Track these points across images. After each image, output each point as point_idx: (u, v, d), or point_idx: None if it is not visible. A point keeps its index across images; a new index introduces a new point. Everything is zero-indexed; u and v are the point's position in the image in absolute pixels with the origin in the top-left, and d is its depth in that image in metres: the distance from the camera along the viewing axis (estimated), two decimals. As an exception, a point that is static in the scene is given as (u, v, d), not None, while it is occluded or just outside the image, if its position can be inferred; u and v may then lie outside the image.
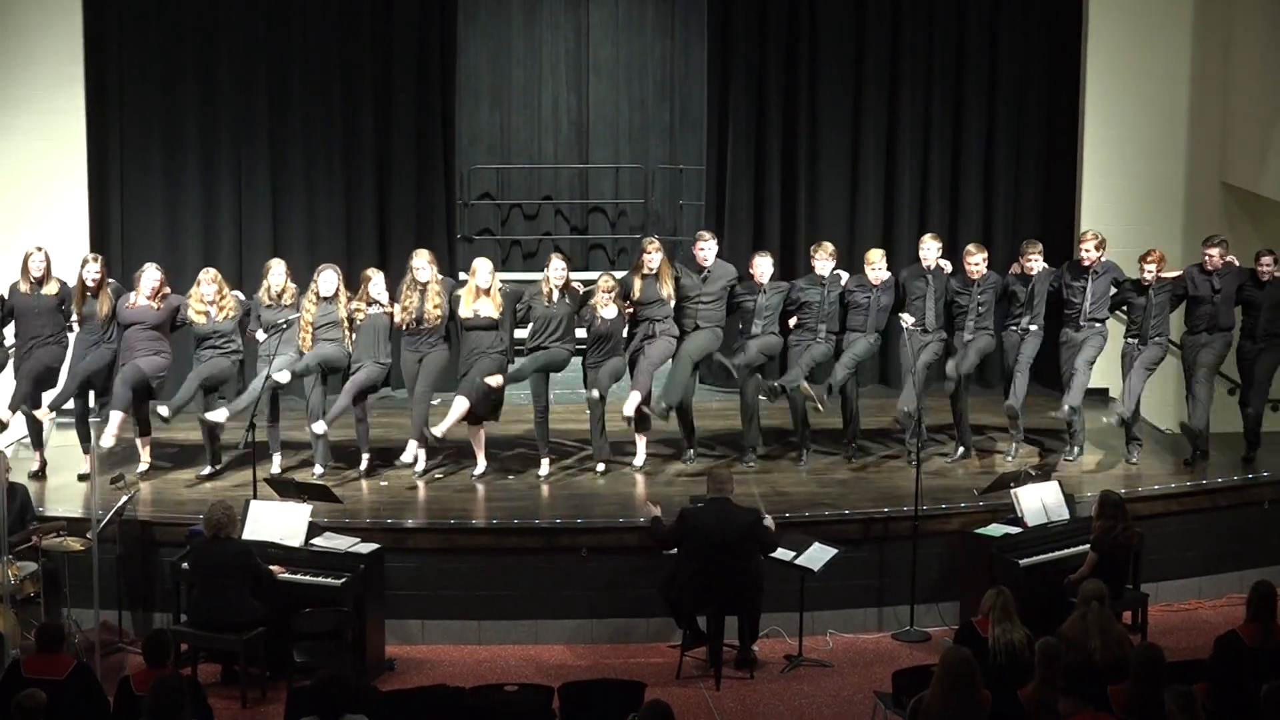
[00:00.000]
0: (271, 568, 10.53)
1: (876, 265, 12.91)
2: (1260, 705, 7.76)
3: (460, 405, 12.38)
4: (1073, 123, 14.90)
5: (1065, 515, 11.44)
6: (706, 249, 12.80)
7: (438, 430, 12.36)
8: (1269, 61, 13.81)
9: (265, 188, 14.70)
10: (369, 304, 12.45)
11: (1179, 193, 14.67)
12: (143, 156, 14.46)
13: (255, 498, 11.20)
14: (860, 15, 15.03)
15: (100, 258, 12.53)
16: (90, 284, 12.32)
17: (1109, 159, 14.70)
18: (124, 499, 11.00)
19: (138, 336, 12.31)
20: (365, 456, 12.68)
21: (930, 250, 12.96)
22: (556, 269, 12.64)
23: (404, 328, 12.51)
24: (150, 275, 12.34)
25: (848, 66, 15.07)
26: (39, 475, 12.37)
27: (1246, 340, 12.96)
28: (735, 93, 15.06)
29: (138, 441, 12.60)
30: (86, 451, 12.31)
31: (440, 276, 12.68)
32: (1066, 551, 11.15)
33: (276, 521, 10.87)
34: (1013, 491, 11.43)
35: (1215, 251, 12.73)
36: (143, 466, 12.54)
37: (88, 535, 10.62)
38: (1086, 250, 12.77)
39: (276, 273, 12.44)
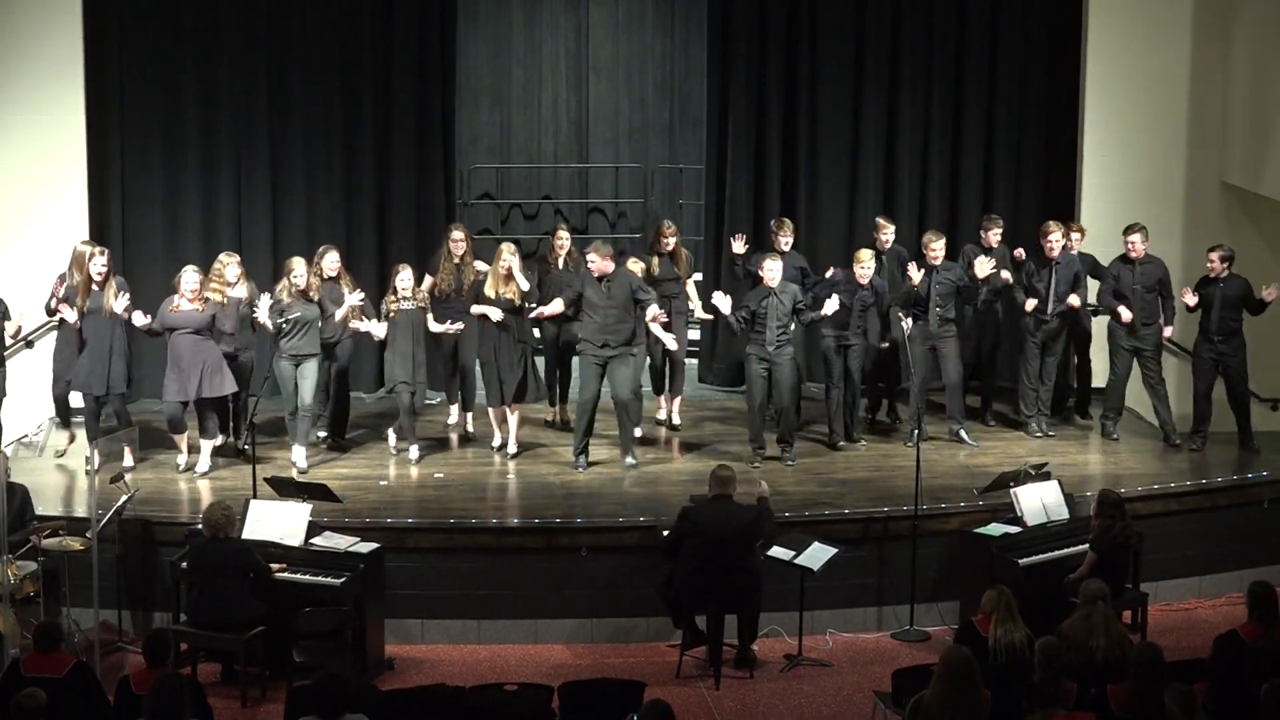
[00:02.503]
0: (270, 566, 10.53)
1: (866, 264, 13.09)
2: (1260, 705, 7.76)
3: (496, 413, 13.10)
4: (1072, 123, 14.90)
5: (1065, 515, 11.45)
6: (594, 263, 12.65)
7: (512, 447, 13.07)
8: (1268, 61, 13.80)
9: (265, 187, 14.70)
10: (401, 299, 12.69)
11: (1179, 193, 14.66)
12: (143, 156, 14.46)
13: (255, 497, 11.20)
14: (860, 15, 15.03)
15: (106, 250, 12.63)
16: (97, 277, 12.36)
17: (1109, 159, 14.69)
18: (123, 498, 11.00)
19: (185, 343, 12.34)
20: (415, 447, 12.93)
21: (889, 233, 13.79)
22: (563, 236, 13.71)
23: (438, 295, 13.08)
24: (190, 277, 12.42)
25: (848, 66, 15.07)
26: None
27: (1199, 336, 13.29)
28: (735, 92, 15.06)
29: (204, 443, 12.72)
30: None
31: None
32: (1066, 551, 11.16)
33: (276, 521, 10.87)
34: (1012, 491, 11.43)
35: (1215, 255, 13.13)
36: (203, 466, 12.62)
37: (87, 535, 10.62)
38: (1056, 240, 13.35)
39: (300, 272, 12.58)
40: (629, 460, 12.84)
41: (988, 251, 13.66)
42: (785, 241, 13.57)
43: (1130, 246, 13.34)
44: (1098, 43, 14.65)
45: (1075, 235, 13.79)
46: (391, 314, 12.72)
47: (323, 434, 13.32)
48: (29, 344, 13.54)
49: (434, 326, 12.88)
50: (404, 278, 12.76)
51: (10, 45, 13.82)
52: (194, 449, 12.69)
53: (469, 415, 13.67)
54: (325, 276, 12.86)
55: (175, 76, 14.47)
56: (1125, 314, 13.29)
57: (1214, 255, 13.15)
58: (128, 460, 12.52)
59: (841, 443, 13.35)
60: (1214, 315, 13.15)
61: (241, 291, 12.80)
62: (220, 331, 12.61)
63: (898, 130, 15.17)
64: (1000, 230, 13.82)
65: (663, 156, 17.82)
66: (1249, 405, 13.48)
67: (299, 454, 12.68)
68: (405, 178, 14.93)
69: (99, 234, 13.91)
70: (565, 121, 17.81)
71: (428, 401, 13.66)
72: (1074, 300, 13.36)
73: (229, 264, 12.78)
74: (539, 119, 17.76)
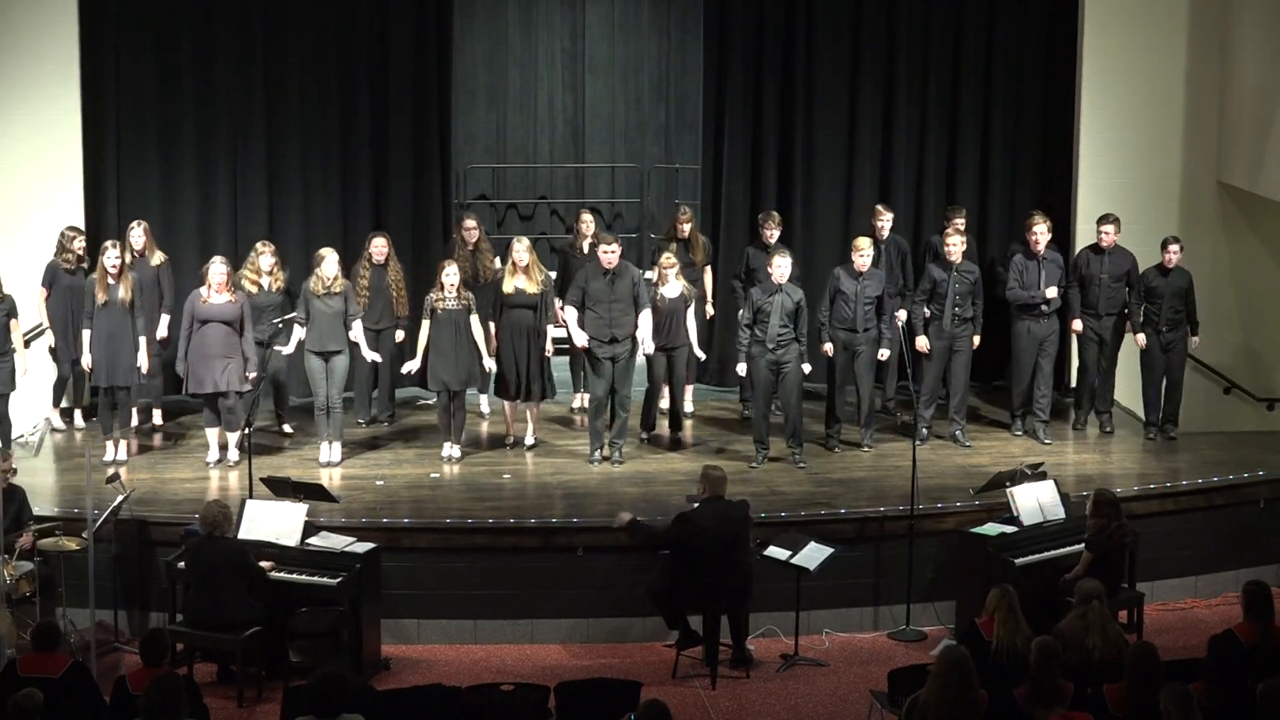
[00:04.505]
0: (262, 564, 10.52)
1: (864, 252, 13.06)
2: (1257, 704, 7.77)
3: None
4: (1068, 123, 14.89)
5: (1061, 514, 11.45)
6: (611, 252, 12.77)
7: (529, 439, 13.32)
8: (1265, 60, 13.80)
9: (261, 186, 14.68)
10: (447, 296, 12.71)
11: (1175, 192, 14.64)
12: (139, 155, 14.44)
13: (251, 497, 11.19)
14: (856, 15, 15.02)
15: (119, 243, 12.75)
16: (112, 270, 12.42)
17: (1105, 159, 14.67)
18: (120, 498, 10.99)
19: (216, 334, 12.49)
20: (457, 446, 13.00)
21: (887, 220, 13.95)
22: (587, 220, 13.96)
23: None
24: (218, 269, 12.56)
25: (844, 66, 15.06)
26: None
27: (1148, 328, 13.49)
28: (731, 92, 15.05)
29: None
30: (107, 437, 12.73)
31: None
32: (1062, 550, 11.16)
33: (273, 521, 10.87)
34: (1008, 491, 11.43)
35: (1175, 247, 13.49)
36: (233, 456, 12.77)
37: (84, 535, 10.61)
38: (1042, 233, 13.50)
39: (330, 262, 12.70)
40: (616, 456, 12.89)
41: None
42: (773, 235, 13.72)
43: (1102, 236, 13.56)
44: (1094, 42, 14.63)
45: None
46: (437, 311, 12.71)
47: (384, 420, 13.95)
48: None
49: (476, 330, 12.85)
50: (450, 273, 12.72)
51: (6, 44, 13.80)
52: (221, 444, 12.82)
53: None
54: (374, 262, 13.44)
55: (171, 75, 14.46)
56: (1076, 324, 13.65)
57: (1174, 247, 13.48)
58: (121, 454, 12.67)
59: (837, 447, 13.34)
60: (1165, 306, 13.42)
61: (280, 298, 13.12)
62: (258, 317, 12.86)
63: (894, 130, 15.15)
64: (963, 220, 14.06)
65: (659, 156, 17.82)
66: (1181, 395, 13.71)
67: (334, 450, 12.83)
68: (401, 177, 14.91)
69: (95, 232, 13.90)
70: (561, 121, 17.80)
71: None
72: (1052, 292, 13.43)
73: (263, 252, 13.09)
74: (535, 119, 17.76)
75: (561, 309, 13.13)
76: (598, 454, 12.85)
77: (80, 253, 13.20)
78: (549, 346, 13.06)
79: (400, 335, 13.69)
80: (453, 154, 15.50)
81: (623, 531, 10.87)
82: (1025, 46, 15.15)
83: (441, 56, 14.94)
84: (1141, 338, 13.54)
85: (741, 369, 12.87)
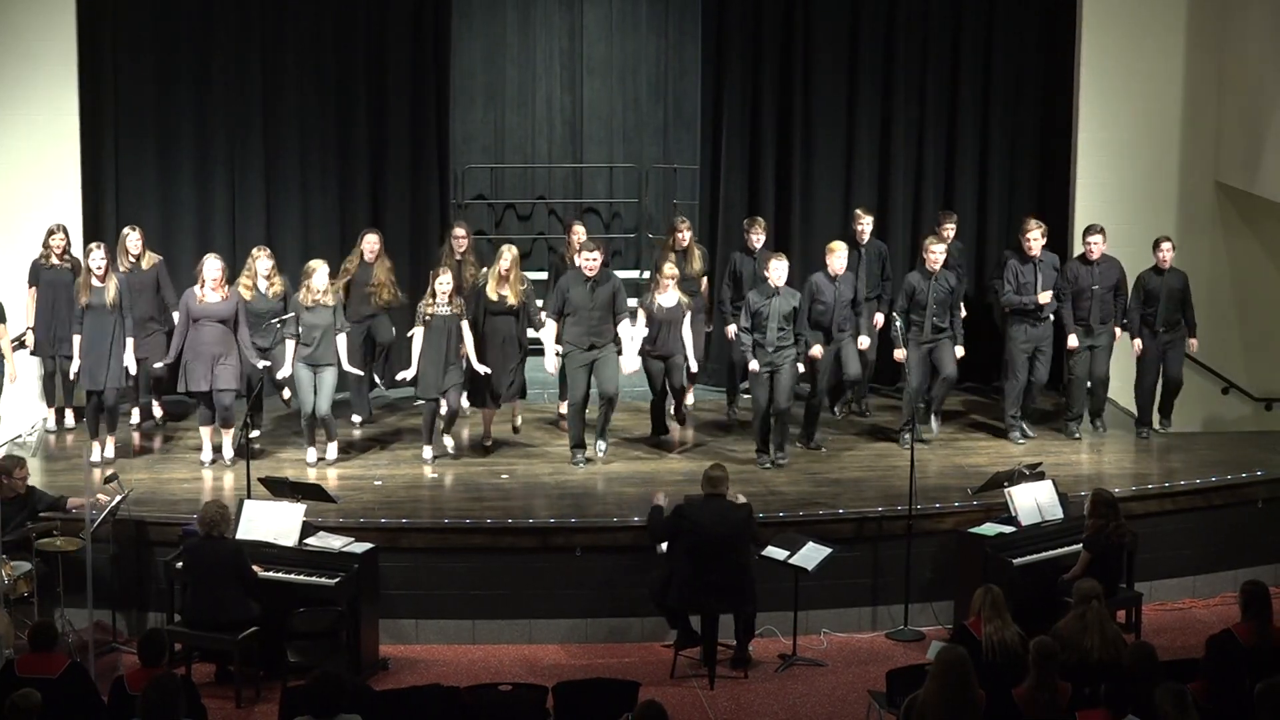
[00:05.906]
0: (253, 566, 10.50)
1: (839, 254, 13.14)
2: (1254, 704, 7.77)
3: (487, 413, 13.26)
4: (1067, 123, 14.89)
5: (1059, 514, 11.46)
6: (593, 259, 12.75)
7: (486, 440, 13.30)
8: (1263, 60, 13.81)
9: (259, 187, 14.68)
10: (438, 304, 12.66)
11: (1173, 192, 14.66)
12: (137, 156, 14.44)
13: (250, 497, 11.19)
14: (855, 14, 15.02)
15: (103, 244, 12.73)
16: (98, 271, 12.40)
17: (1103, 159, 14.68)
18: (118, 498, 10.99)
19: (211, 333, 12.47)
20: (430, 449, 12.92)
21: (867, 224, 13.96)
22: (579, 230, 13.77)
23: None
24: (212, 265, 12.55)
25: (842, 65, 15.06)
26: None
27: (1146, 330, 13.46)
28: (729, 91, 15.04)
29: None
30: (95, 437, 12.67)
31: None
32: (1060, 550, 11.18)
33: (271, 521, 10.87)
34: (1007, 491, 11.44)
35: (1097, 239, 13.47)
36: (228, 454, 12.73)
37: (81, 535, 10.61)
38: (1036, 239, 13.39)
39: (320, 275, 12.64)
40: (600, 445, 12.92)
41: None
42: (758, 240, 13.70)
43: (1090, 248, 13.44)
44: (1092, 42, 14.64)
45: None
46: (428, 317, 12.67)
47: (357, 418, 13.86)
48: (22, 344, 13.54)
49: (467, 337, 12.82)
50: (444, 281, 12.68)
51: (5, 45, 13.80)
52: (216, 444, 12.77)
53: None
54: (364, 259, 13.42)
55: (170, 76, 14.45)
56: (1072, 341, 13.46)
57: (1166, 246, 13.42)
58: (109, 453, 12.62)
59: (811, 445, 13.38)
60: (1161, 307, 13.37)
61: (279, 305, 12.94)
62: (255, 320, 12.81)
63: (892, 130, 15.15)
64: (954, 225, 14.08)
65: (657, 156, 17.81)
66: (1179, 391, 13.69)
67: (331, 450, 12.81)
68: (399, 178, 14.91)
69: (93, 233, 13.90)
70: (559, 121, 17.80)
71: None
72: (1045, 298, 13.34)
73: (259, 257, 13.04)
74: (533, 119, 17.75)
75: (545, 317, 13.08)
76: (580, 455, 12.82)
77: (59, 249, 13.14)
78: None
79: (393, 332, 13.68)
80: (451, 154, 15.48)
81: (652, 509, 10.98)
82: (1024, 47, 15.15)
83: (439, 56, 14.92)
84: (1138, 343, 13.48)
85: (755, 365, 12.71)
